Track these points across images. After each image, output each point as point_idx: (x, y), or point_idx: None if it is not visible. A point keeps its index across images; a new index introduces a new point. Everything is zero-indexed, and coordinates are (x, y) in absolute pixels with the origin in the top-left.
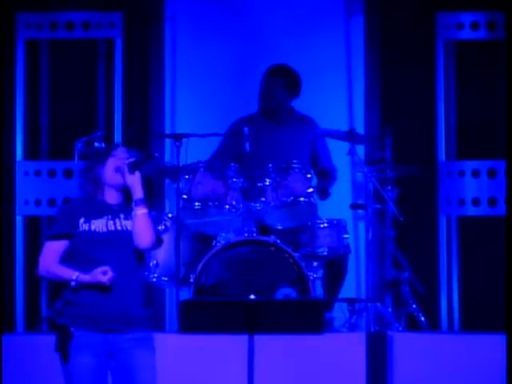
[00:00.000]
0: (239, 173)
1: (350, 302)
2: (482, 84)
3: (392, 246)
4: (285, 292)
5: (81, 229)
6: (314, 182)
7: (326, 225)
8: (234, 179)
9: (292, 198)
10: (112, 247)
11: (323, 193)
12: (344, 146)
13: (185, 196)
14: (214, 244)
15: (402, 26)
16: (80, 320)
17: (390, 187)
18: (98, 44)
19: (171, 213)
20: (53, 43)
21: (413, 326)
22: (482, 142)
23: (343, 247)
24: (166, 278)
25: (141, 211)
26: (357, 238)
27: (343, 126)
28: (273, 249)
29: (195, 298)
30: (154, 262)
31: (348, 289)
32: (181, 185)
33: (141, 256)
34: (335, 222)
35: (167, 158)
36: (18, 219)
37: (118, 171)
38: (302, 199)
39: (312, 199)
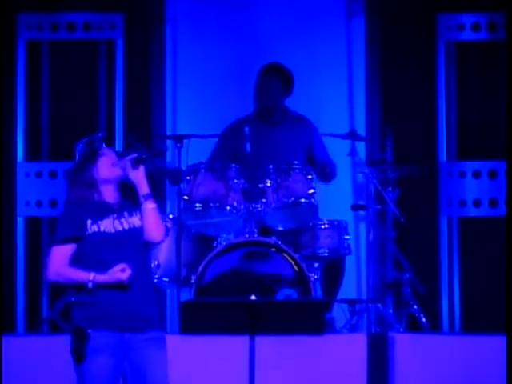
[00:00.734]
0: (240, 174)
1: (351, 302)
2: (482, 85)
3: (393, 247)
4: (286, 293)
5: (90, 231)
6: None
7: (326, 226)
8: (235, 180)
9: (293, 198)
10: (122, 247)
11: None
12: (345, 146)
13: (186, 197)
14: (214, 245)
15: (402, 27)
16: (97, 321)
17: (390, 188)
18: (98, 45)
19: (172, 214)
20: (54, 44)
21: (414, 326)
22: (482, 143)
23: (344, 248)
24: (166, 279)
25: (150, 205)
26: (358, 238)
27: (344, 127)
28: (274, 250)
29: (196, 299)
30: (156, 263)
31: (349, 290)
32: (182, 186)
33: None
34: (336, 222)
35: (168, 159)
36: (19, 220)
37: (116, 165)
38: (302, 200)
39: (313, 200)
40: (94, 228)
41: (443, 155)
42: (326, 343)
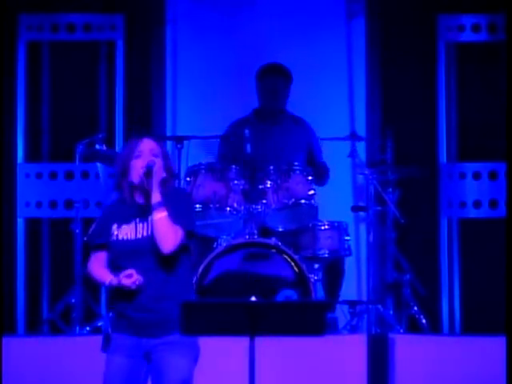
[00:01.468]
0: (240, 175)
1: (352, 304)
2: (482, 86)
3: (393, 248)
4: (286, 294)
5: (112, 237)
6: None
7: (326, 227)
8: (235, 181)
9: (293, 200)
10: (139, 255)
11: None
12: (345, 147)
13: None
14: (215, 246)
15: (403, 28)
16: (115, 323)
17: (391, 189)
18: (99, 46)
19: None
20: (54, 45)
21: (414, 328)
22: (482, 144)
23: (344, 249)
24: None
25: (159, 215)
26: (358, 240)
27: (344, 128)
28: (274, 251)
29: (196, 300)
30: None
31: (349, 291)
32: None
33: (177, 256)
34: (336, 224)
35: None
36: (19, 221)
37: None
38: (303, 201)
39: (313, 201)
40: (115, 233)
41: (443, 156)
42: (326, 344)
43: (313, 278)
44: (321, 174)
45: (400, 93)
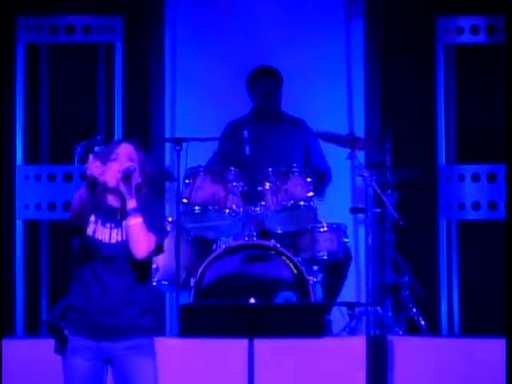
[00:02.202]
0: (239, 177)
1: (350, 305)
2: (481, 88)
3: (392, 250)
4: (285, 296)
5: (88, 231)
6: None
7: (325, 229)
8: (234, 183)
9: (292, 201)
10: (113, 260)
11: (318, 193)
12: (344, 149)
13: (185, 200)
14: (214, 248)
15: (402, 30)
16: (74, 324)
17: (389, 191)
18: (98, 48)
19: (171, 217)
20: (53, 47)
21: (413, 329)
22: (481, 146)
23: (343, 251)
24: (166, 282)
25: (133, 221)
26: (357, 242)
27: (343, 129)
28: (273, 253)
29: (195, 303)
30: (154, 266)
31: (348, 293)
32: (181, 189)
33: (147, 263)
34: (335, 226)
35: (167, 162)
36: (18, 223)
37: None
38: (301, 203)
39: (312, 203)
40: (91, 228)
41: (442, 158)
42: (325, 346)
43: (312, 279)
44: (321, 178)
45: (399, 94)
